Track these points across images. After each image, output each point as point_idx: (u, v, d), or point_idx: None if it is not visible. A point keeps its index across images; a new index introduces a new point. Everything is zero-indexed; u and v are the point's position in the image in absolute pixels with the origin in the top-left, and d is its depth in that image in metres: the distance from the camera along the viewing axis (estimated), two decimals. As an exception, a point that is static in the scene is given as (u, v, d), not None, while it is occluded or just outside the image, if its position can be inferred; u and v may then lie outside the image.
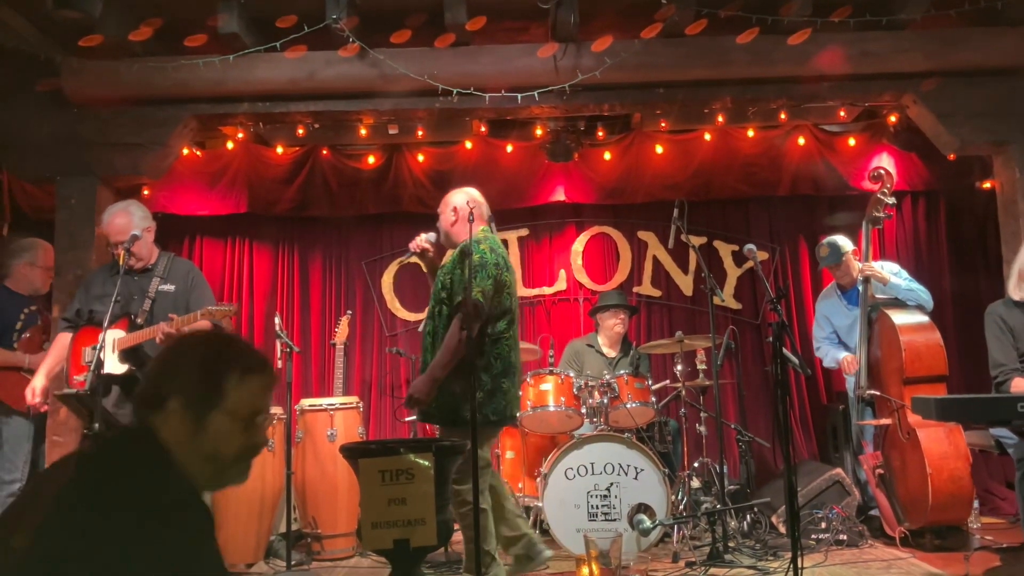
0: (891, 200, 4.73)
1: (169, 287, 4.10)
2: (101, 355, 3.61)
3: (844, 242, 5.17)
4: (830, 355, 5.25)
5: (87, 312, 4.08)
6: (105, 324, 3.67)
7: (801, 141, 6.25)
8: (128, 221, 4.10)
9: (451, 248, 3.91)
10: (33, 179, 5.33)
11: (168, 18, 4.36)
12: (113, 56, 4.58)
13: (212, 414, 1.62)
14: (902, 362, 4.54)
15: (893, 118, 6.00)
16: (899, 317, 4.67)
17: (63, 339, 4.12)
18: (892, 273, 4.94)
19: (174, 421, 1.61)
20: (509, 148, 6.35)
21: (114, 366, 3.86)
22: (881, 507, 4.75)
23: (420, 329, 5.80)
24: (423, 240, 3.95)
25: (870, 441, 4.94)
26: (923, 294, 4.84)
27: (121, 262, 3.98)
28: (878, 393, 4.71)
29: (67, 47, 4.52)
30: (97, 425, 3.44)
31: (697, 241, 6.22)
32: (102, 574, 1.37)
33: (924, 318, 4.70)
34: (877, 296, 4.88)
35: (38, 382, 4.05)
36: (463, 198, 3.90)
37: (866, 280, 4.80)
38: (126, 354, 3.90)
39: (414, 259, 4.08)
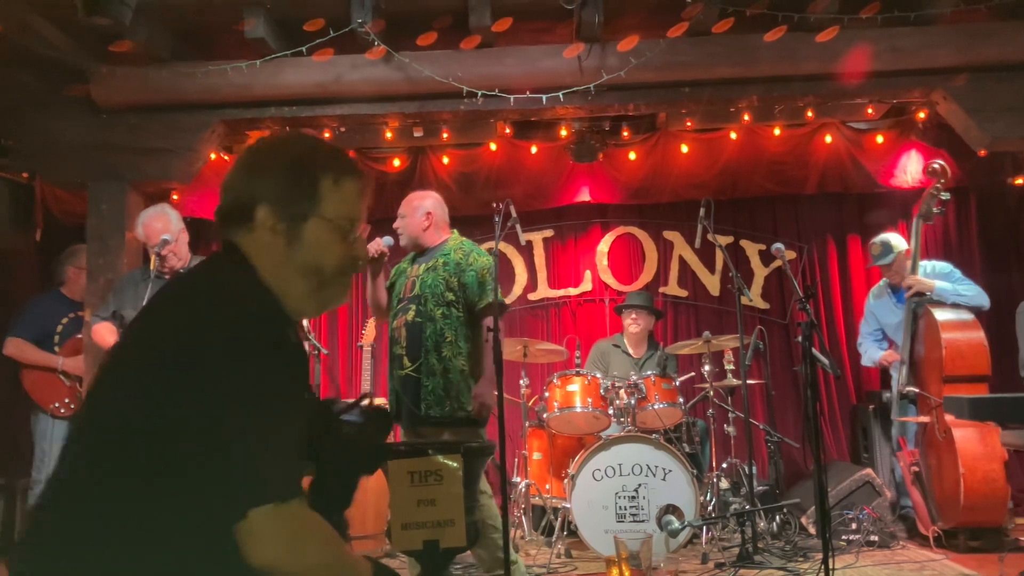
0: (946, 196, 4.67)
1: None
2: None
3: (897, 240, 5.07)
4: (869, 354, 5.18)
5: (120, 315, 4.13)
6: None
7: (828, 139, 6.20)
8: (165, 224, 4.14)
9: (415, 250, 3.91)
10: (65, 185, 5.40)
11: (196, 24, 4.40)
12: (141, 62, 4.63)
13: (308, 221, 1.43)
14: (942, 360, 4.48)
15: (922, 114, 5.92)
16: (942, 314, 4.62)
17: (106, 326, 4.17)
18: (943, 274, 4.86)
19: (264, 233, 1.42)
20: (534, 149, 6.35)
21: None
22: (916, 505, 4.70)
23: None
24: (383, 245, 3.82)
25: (911, 439, 4.88)
26: (975, 297, 4.74)
27: (152, 266, 4.02)
28: (918, 390, 4.66)
29: (97, 54, 4.57)
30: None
31: (724, 240, 6.18)
32: (175, 406, 1.24)
33: (968, 316, 4.63)
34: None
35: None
36: (433, 203, 3.91)
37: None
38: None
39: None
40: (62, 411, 4.78)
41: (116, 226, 4.73)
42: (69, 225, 6.00)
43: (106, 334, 4.12)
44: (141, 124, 4.78)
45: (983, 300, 4.75)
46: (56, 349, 4.87)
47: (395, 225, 3.93)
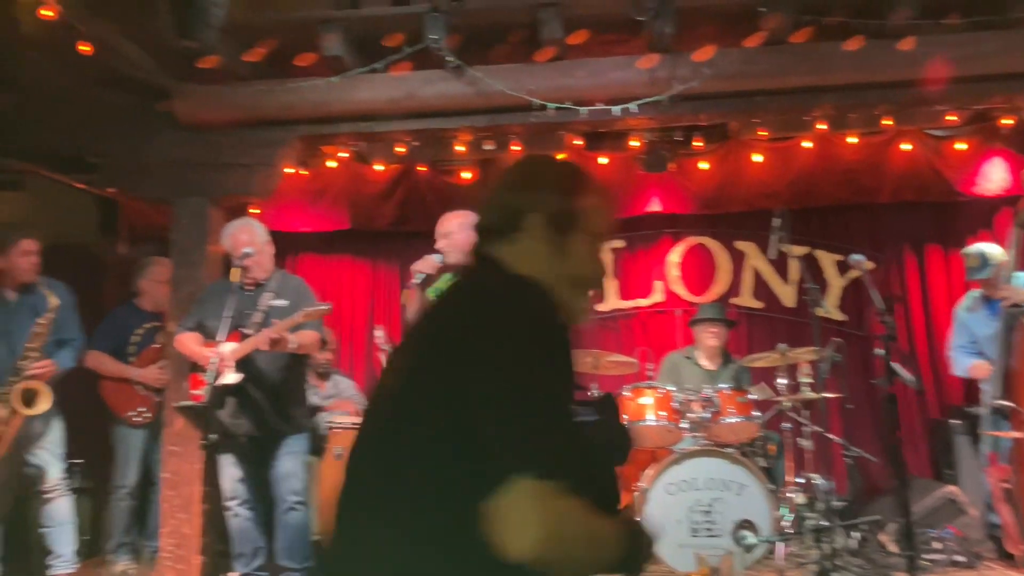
0: None
1: (282, 302, 4.24)
2: (218, 368, 3.76)
3: (992, 251, 4.81)
4: (959, 361, 5.00)
5: (204, 325, 4.26)
6: (221, 338, 3.82)
7: (906, 147, 6.05)
8: (251, 237, 4.28)
9: (459, 267, 3.90)
10: (149, 200, 5.58)
11: (276, 42, 4.52)
12: (222, 81, 4.77)
13: (572, 235, 1.48)
14: (1036, 373, 4.32)
15: (1007, 120, 5.74)
16: (1040, 326, 4.44)
17: (191, 335, 4.28)
18: None
19: (531, 244, 1.47)
20: (603, 160, 6.34)
21: (230, 377, 4.01)
22: (1005, 524, 4.53)
23: None
24: (436, 262, 3.89)
25: (1003, 454, 4.71)
26: None
27: (236, 278, 4.13)
28: (1011, 404, 4.49)
29: (180, 74, 4.72)
30: (214, 435, 3.59)
31: (798, 251, 6.05)
32: (499, 403, 1.27)
33: None
34: None
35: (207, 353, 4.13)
36: (474, 218, 3.91)
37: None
38: (238, 365, 4.05)
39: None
40: (137, 419, 4.93)
41: (198, 240, 4.87)
42: (152, 238, 6.22)
43: (191, 343, 4.25)
44: (222, 141, 4.91)
45: None
46: (131, 360, 5.03)
47: (439, 245, 3.95)
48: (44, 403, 4.24)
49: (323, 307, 4.06)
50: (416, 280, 3.91)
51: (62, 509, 4.48)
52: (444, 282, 4.05)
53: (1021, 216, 4.54)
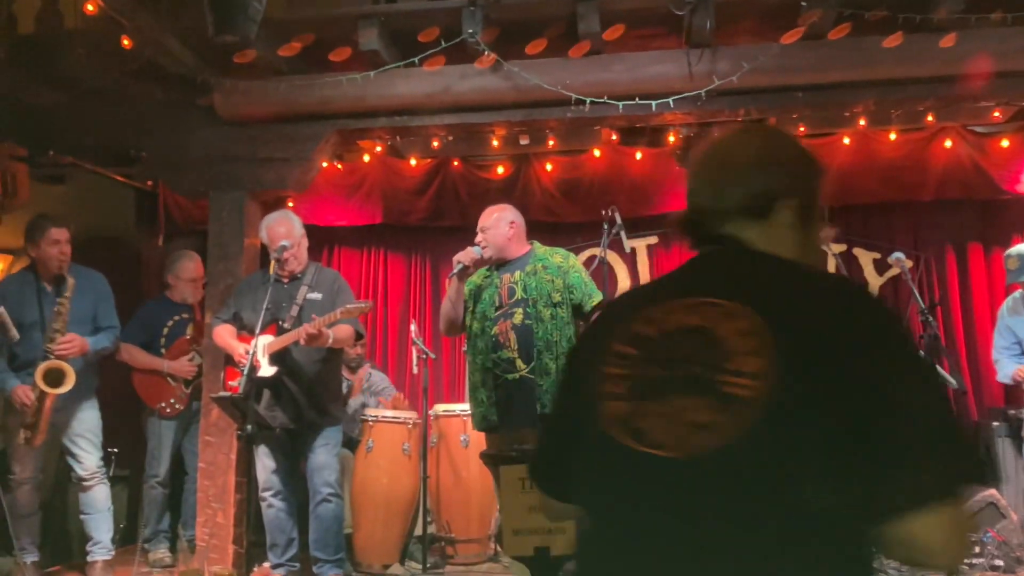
0: None
1: (317, 295, 4.27)
2: (254, 360, 3.80)
3: None
4: (1005, 369, 4.90)
5: (240, 317, 4.30)
6: (257, 330, 3.86)
7: (948, 143, 5.94)
8: (288, 230, 4.32)
9: (498, 262, 4.02)
10: (188, 194, 5.65)
11: (313, 37, 4.54)
12: (260, 75, 4.81)
13: (813, 225, 1.37)
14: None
15: (1053, 117, 5.62)
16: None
17: (226, 328, 4.33)
18: None
19: (781, 231, 1.33)
20: (639, 155, 6.30)
21: (265, 370, 4.05)
22: (1046, 529, 4.45)
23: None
24: (475, 254, 3.96)
25: None
26: None
27: (271, 271, 4.17)
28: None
29: (219, 68, 4.77)
30: (250, 427, 3.62)
31: (837, 248, 5.98)
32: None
33: None
34: None
35: (240, 348, 4.18)
36: (514, 213, 4.09)
37: None
38: (274, 358, 4.09)
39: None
40: (167, 411, 5.00)
41: (235, 233, 4.92)
42: (189, 231, 6.30)
43: (226, 335, 4.29)
44: (259, 135, 4.95)
45: None
46: (163, 351, 5.10)
47: (478, 239, 4.02)
48: (68, 382, 4.24)
49: (363, 304, 4.09)
50: (456, 270, 3.97)
51: (99, 497, 4.55)
52: (479, 276, 4.08)
53: None
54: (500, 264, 4.03)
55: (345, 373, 5.34)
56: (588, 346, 1.41)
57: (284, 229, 4.31)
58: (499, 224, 3.99)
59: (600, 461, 1.24)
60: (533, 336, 3.82)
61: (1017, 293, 4.96)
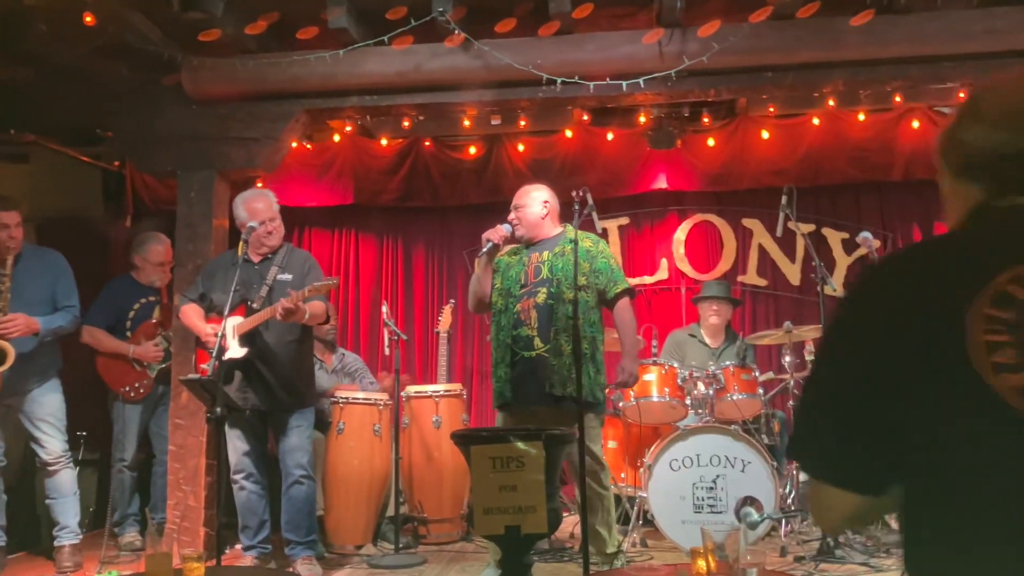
0: None
1: (287, 276, 4.24)
2: (223, 342, 3.77)
3: None
4: None
5: (208, 298, 4.26)
6: (226, 312, 3.82)
7: (915, 124, 6.01)
8: (268, 204, 4.30)
9: (529, 240, 4.06)
10: (155, 173, 5.56)
11: (281, 15, 4.48)
12: (229, 53, 4.74)
13: None
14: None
15: (1018, 98, 5.68)
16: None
17: (193, 308, 4.29)
18: None
19: None
20: (610, 136, 6.31)
21: (235, 351, 4.02)
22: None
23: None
24: (504, 231, 4.03)
25: None
26: None
27: (240, 252, 4.13)
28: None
29: (187, 46, 4.70)
30: (219, 409, 3.60)
31: (805, 228, 6.04)
32: None
33: None
34: None
35: (207, 329, 4.17)
36: (549, 193, 4.16)
37: None
38: (244, 339, 4.06)
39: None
40: (132, 395, 4.92)
41: (204, 213, 4.85)
42: (157, 212, 6.22)
43: (193, 316, 4.25)
44: (228, 114, 4.88)
45: None
46: (129, 334, 5.02)
47: (511, 217, 4.11)
48: (8, 360, 4.14)
49: (330, 281, 4.07)
50: (485, 248, 4.04)
51: (65, 481, 4.49)
52: (509, 254, 4.12)
53: None
54: (530, 243, 4.05)
55: (321, 353, 5.32)
56: (904, 311, 1.18)
57: (263, 204, 4.29)
58: (533, 203, 4.03)
59: (993, 441, 1.10)
60: (553, 315, 3.88)
61: None
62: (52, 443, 4.44)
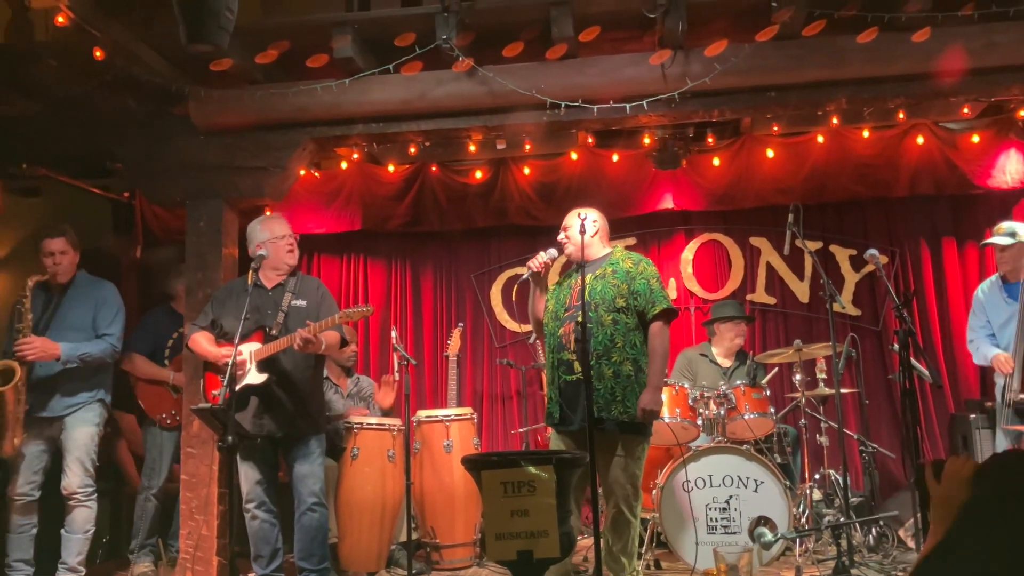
0: None
1: (301, 302, 4.26)
2: (235, 370, 3.78)
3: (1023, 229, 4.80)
4: (982, 351, 4.85)
5: (219, 324, 4.28)
6: (236, 340, 3.83)
7: (920, 140, 6.02)
8: (284, 224, 4.43)
9: (577, 262, 3.99)
10: (165, 203, 5.63)
11: (286, 45, 4.53)
12: (235, 84, 4.79)
13: None
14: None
15: (1023, 112, 5.70)
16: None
17: (204, 335, 4.29)
18: None
19: None
20: (615, 157, 6.34)
21: (253, 377, 4.04)
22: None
23: (530, 341, 5.86)
24: (547, 258, 4.02)
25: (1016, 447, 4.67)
26: None
27: (250, 279, 4.15)
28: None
29: (194, 77, 4.75)
30: (230, 438, 3.60)
31: (813, 246, 6.04)
32: None
33: None
34: None
35: (220, 352, 4.18)
36: (598, 215, 4.14)
37: None
38: (263, 365, 4.07)
39: (521, 274, 4.17)
40: (168, 422, 5.00)
41: (213, 242, 4.89)
42: (167, 241, 6.26)
43: (203, 342, 4.26)
44: (236, 144, 4.93)
45: None
46: (166, 362, 5.10)
47: (560, 238, 4.10)
48: (15, 378, 4.19)
49: (363, 309, 4.10)
50: (524, 276, 4.11)
51: (77, 519, 4.44)
52: (565, 275, 4.17)
53: None
54: (579, 265, 4.06)
55: (336, 377, 5.35)
56: None
57: (279, 223, 4.43)
58: (581, 225, 4.01)
59: None
60: (592, 340, 3.80)
61: (994, 276, 5.01)
62: (70, 478, 4.41)
